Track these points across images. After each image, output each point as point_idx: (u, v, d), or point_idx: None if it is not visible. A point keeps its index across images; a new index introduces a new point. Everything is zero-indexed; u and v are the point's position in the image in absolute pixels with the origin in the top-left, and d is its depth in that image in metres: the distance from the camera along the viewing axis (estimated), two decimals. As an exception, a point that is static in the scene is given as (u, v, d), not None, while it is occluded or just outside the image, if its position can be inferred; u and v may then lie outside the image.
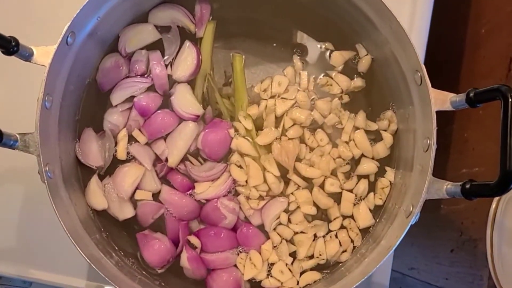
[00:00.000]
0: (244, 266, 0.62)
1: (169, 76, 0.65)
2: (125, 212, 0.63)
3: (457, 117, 0.95)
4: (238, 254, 0.63)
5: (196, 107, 0.63)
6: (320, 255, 0.62)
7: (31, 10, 0.76)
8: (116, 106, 0.64)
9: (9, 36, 0.51)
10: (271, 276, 0.62)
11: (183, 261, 0.62)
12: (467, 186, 0.49)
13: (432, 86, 0.53)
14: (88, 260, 0.52)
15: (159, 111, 0.64)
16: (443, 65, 1.06)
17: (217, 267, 0.62)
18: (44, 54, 0.53)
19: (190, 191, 0.64)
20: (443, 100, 0.53)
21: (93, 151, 0.63)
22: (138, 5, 0.64)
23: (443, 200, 0.95)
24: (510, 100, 0.46)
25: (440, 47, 1.08)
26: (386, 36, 0.59)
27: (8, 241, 0.73)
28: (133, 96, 0.64)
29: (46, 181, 0.52)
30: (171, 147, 0.63)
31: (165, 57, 0.65)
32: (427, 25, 0.77)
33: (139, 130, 0.64)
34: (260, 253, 0.62)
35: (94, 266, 0.52)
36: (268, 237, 0.63)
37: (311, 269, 0.63)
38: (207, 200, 0.63)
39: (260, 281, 0.62)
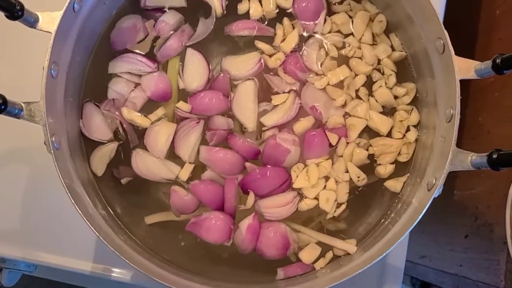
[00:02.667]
0: (297, 176, 0.61)
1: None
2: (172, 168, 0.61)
3: (470, 101, 0.93)
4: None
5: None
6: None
7: None
8: (121, 76, 0.62)
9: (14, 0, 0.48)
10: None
11: (242, 227, 0.59)
12: (494, 156, 0.47)
13: None
14: (95, 232, 0.50)
15: (205, 92, 0.62)
16: (457, 49, 1.05)
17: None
18: (50, 20, 0.51)
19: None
20: (467, 68, 0.52)
21: (98, 125, 0.61)
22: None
23: (456, 185, 0.93)
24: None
25: (454, 31, 1.07)
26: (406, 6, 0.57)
27: (13, 223, 0.71)
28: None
29: (52, 152, 0.50)
30: (244, 114, 0.62)
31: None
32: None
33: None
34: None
35: (101, 238, 0.50)
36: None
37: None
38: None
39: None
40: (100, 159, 0.61)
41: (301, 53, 0.63)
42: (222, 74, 0.62)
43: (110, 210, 0.60)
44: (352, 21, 0.64)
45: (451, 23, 0.89)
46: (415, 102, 0.62)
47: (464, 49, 0.97)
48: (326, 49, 0.64)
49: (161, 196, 0.62)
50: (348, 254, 0.59)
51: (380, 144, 0.61)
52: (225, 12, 0.63)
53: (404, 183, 0.61)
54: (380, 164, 0.61)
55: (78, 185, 0.54)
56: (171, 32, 0.63)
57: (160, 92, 0.62)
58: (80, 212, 0.50)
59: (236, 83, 0.62)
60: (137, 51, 0.63)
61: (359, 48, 0.63)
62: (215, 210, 0.60)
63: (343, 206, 0.61)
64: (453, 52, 0.51)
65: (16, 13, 0.48)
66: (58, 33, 0.51)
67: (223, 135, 0.61)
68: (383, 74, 0.63)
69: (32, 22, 0.51)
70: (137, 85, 0.63)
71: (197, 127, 0.61)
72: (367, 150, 0.61)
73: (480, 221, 0.87)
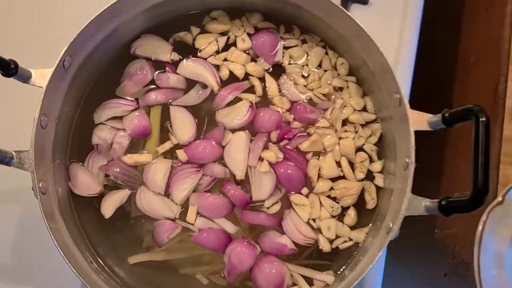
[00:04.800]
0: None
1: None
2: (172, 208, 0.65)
3: (449, 142, 0.97)
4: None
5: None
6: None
7: (30, 33, 0.80)
8: (105, 123, 0.66)
9: (9, 59, 0.54)
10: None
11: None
12: (443, 202, 0.51)
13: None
14: (77, 274, 0.54)
15: (199, 141, 0.66)
16: (435, 92, 1.09)
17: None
18: (41, 76, 0.56)
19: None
20: (421, 120, 0.56)
21: (86, 182, 0.65)
22: (129, 34, 0.68)
23: (437, 224, 0.96)
24: (481, 119, 0.48)
25: (430, 75, 1.12)
26: (364, 58, 0.63)
27: (3, 258, 0.74)
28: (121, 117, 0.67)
29: (39, 197, 0.54)
30: (234, 163, 0.65)
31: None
32: (413, 52, 0.80)
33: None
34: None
35: (83, 281, 0.54)
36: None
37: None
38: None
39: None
40: (111, 203, 0.65)
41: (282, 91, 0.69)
42: (218, 128, 0.66)
43: (93, 252, 0.64)
44: (308, 55, 0.69)
45: (427, 66, 0.94)
46: (380, 148, 0.67)
47: (443, 92, 1.03)
48: (294, 79, 0.69)
49: (144, 235, 0.65)
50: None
51: (342, 187, 0.65)
52: (220, 87, 0.68)
53: (366, 234, 0.64)
54: (344, 216, 0.65)
55: (64, 228, 0.58)
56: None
57: (140, 128, 0.66)
58: (63, 254, 0.54)
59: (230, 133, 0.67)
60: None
61: (319, 78, 0.69)
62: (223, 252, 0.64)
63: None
64: (408, 106, 0.56)
65: (10, 71, 0.54)
66: (49, 88, 0.56)
67: (216, 182, 0.66)
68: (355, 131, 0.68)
69: (26, 78, 0.56)
70: (120, 130, 0.67)
71: (195, 174, 0.65)
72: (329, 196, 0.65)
73: (457, 260, 0.89)
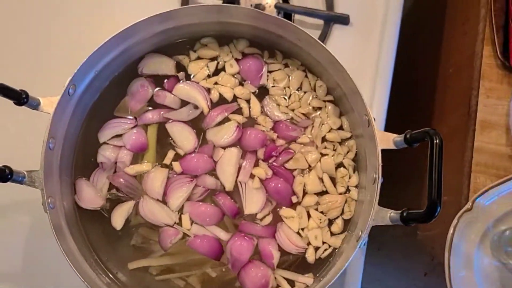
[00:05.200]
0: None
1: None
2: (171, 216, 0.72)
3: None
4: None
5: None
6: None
7: (39, 64, 0.87)
8: (108, 142, 0.73)
9: (20, 90, 0.60)
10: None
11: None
12: (405, 214, 0.58)
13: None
14: (82, 279, 0.60)
15: (193, 154, 0.73)
16: (419, 101, 1.15)
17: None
18: (49, 103, 0.63)
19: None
20: (387, 140, 0.62)
21: (90, 196, 0.71)
22: (128, 60, 0.74)
23: (419, 226, 1.00)
24: (435, 141, 0.55)
25: (416, 85, 1.17)
26: (338, 82, 0.69)
27: (13, 267, 0.80)
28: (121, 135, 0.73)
29: (48, 211, 0.61)
30: (224, 176, 0.72)
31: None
32: (390, 70, 0.86)
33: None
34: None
35: (88, 286, 0.61)
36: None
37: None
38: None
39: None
40: (120, 214, 0.71)
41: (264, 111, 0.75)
42: (207, 145, 0.73)
43: (97, 258, 0.70)
44: (289, 78, 0.76)
45: (413, 77, 0.99)
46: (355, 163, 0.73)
47: (426, 103, 1.07)
48: (276, 100, 0.75)
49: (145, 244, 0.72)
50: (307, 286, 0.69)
51: (327, 201, 0.71)
52: (210, 108, 0.74)
53: (342, 239, 0.70)
54: (332, 224, 0.71)
55: (70, 238, 0.65)
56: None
57: (138, 144, 0.73)
58: (69, 262, 0.60)
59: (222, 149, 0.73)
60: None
61: (300, 99, 0.75)
62: (214, 259, 0.71)
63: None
64: (375, 127, 0.62)
65: (22, 100, 0.61)
66: (56, 114, 0.63)
67: (209, 192, 0.73)
68: (334, 149, 0.74)
69: (35, 106, 0.62)
70: (122, 147, 0.73)
71: (190, 184, 0.72)
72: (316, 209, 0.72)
73: (436, 260, 0.94)
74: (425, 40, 1.20)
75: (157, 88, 0.75)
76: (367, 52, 0.88)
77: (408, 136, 0.60)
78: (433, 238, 0.97)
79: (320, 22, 0.89)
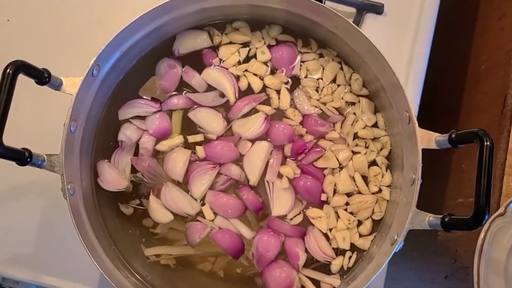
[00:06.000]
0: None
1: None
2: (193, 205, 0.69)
3: (457, 149, 0.99)
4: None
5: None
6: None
7: (62, 43, 0.84)
8: (132, 121, 0.70)
9: (42, 68, 0.57)
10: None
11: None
12: (446, 219, 0.54)
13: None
14: (101, 271, 0.58)
15: (218, 141, 0.70)
16: (444, 98, 1.11)
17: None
18: (71, 84, 0.60)
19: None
20: (429, 138, 0.59)
21: (113, 177, 0.69)
22: (155, 40, 0.70)
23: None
24: (485, 144, 0.51)
25: (441, 81, 1.13)
26: (377, 75, 0.65)
27: (27, 249, 0.78)
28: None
29: (68, 198, 0.58)
30: (251, 169, 0.69)
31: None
32: (424, 64, 0.82)
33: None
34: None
35: (107, 277, 0.58)
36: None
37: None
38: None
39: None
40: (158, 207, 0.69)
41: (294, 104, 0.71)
42: (233, 137, 0.70)
43: (114, 247, 0.68)
44: (323, 69, 0.72)
45: (438, 73, 0.96)
46: (388, 162, 0.70)
47: (452, 99, 1.04)
48: (307, 93, 0.71)
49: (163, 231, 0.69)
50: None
51: (357, 201, 0.68)
52: (237, 98, 0.71)
53: (371, 241, 0.67)
54: (360, 224, 0.68)
55: (88, 224, 0.62)
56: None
57: (161, 129, 0.70)
58: (87, 250, 0.58)
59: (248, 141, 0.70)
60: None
61: (332, 93, 0.71)
62: (233, 257, 0.68)
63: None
64: (416, 124, 0.58)
65: (44, 79, 0.57)
66: (79, 95, 0.60)
67: (232, 182, 0.69)
68: (366, 146, 0.71)
69: (57, 86, 0.59)
70: (144, 132, 0.70)
71: (212, 170, 0.69)
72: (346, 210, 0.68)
73: (458, 264, 0.92)
74: (453, 34, 1.15)
75: (186, 66, 0.72)
76: (400, 45, 0.84)
77: (453, 136, 0.56)
78: (456, 240, 0.94)
79: (352, 10, 0.84)
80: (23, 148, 0.56)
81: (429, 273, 1.05)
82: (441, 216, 0.55)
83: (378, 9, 0.84)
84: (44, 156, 0.58)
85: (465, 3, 1.12)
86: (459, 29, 1.13)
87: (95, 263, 0.58)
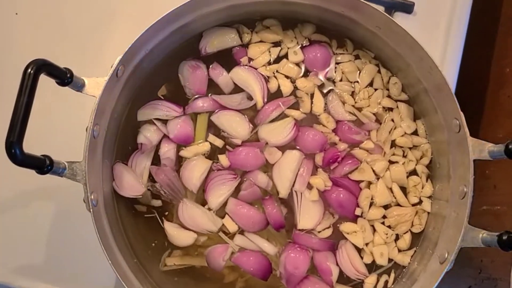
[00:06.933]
0: None
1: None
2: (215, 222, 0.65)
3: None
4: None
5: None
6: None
7: (84, 43, 0.78)
8: (153, 121, 0.65)
9: (64, 68, 0.53)
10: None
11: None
12: (504, 237, 0.50)
13: None
14: (116, 273, 0.54)
15: (242, 148, 0.65)
16: (466, 102, 1.08)
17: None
18: (95, 85, 0.55)
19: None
20: (481, 149, 0.54)
21: (130, 183, 0.64)
22: (181, 38, 0.66)
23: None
24: (551, 156, 0.47)
25: (464, 85, 1.10)
26: (420, 78, 0.61)
27: (38, 258, 0.74)
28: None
29: (91, 210, 0.53)
30: (280, 180, 0.64)
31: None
32: (457, 67, 0.79)
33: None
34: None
35: (122, 280, 0.54)
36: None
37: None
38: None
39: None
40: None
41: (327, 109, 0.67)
42: (259, 143, 0.65)
43: (137, 260, 0.63)
44: (359, 72, 0.68)
45: (459, 76, 0.93)
46: (429, 172, 0.66)
47: (474, 103, 1.01)
48: (342, 97, 0.67)
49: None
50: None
51: (395, 214, 0.64)
52: (265, 103, 0.66)
53: (411, 256, 0.63)
54: (398, 238, 0.64)
55: (112, 240, 0.58)
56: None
57: (183, 135, 0.65)
58: (112, 266, 0.54)
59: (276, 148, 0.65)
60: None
61: (369, 97, 0.67)
62: (261, 279, 0.63)
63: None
64: (468, 133, 0.54)
65: (66, 80, 0.53)
66: (102, 97, 0.55)
67: (257, 192, 0.64)
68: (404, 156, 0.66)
69: (79, 87, 0.55)
70: (164, 136, 0.66)
71: (232, 181, 0.64)
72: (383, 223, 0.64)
73: (484, 274, 0.89)
74: (474, 35, 1.12)
75: (214, 64, 0.67)
76: (430, 46, 0.79)
77: (510, 146, 0.52)
78: (482, 250, 0.91)
79: (380, 8, 0.80)
80: (43, 155, 0.51)
81: (451, 282, 1.02)
82: (497, 233, 0.51)
83: (408, 8, 0.80)
84: (66, 163, 0.54)
85: (487, 3, 1.09)
86: (480, 30, 1.10)
87: (122, 282, 0.53)
